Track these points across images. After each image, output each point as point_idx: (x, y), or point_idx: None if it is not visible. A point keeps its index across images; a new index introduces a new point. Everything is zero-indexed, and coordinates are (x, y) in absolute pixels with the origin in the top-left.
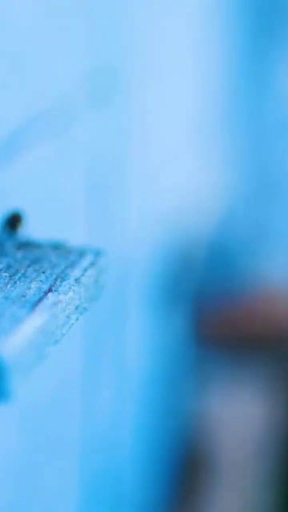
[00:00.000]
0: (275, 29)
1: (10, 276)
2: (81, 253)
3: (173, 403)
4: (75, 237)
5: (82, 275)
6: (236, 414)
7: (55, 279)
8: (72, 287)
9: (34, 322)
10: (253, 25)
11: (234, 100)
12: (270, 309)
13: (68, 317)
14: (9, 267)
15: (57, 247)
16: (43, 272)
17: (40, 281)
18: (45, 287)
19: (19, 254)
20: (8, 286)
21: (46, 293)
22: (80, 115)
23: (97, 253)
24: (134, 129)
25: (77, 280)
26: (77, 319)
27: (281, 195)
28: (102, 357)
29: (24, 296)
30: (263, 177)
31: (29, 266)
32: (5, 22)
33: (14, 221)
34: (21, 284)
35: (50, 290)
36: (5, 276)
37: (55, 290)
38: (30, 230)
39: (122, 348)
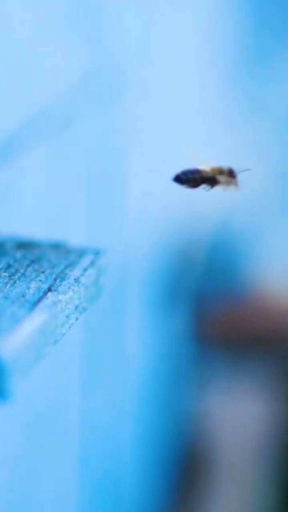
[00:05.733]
0: (280, 26)
1: (10, 276)
2: (81, 253)
3: (173, 402)
4: (75, 237)
5: (82, 274)
6: (236, 414)
7: (55, 279)
8: (72, 286)
9: (33, 322)
10: (257, 23)
11: (236, 99)
12: (270, 309)
13: (67, 316)
14: (8, 266)
15: (56, 246)
16: (43, 272)
17: (40, 280)
18: (45, 286)
19: (19, 254)
20: (8, 286)
21: (45, 292)
22: (80, 115)
23: (97, 253)
24: (134, 129)
25: (76, 280)
26: (76, 318)
27: (280, 195)
28: (102, 357)
29: (23, 295)
30: (263, 176)
31: (28, 266)
32: (6, 22)
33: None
34: (21, 283)
35: (49, 289)
36: (5, 276)
37: (54, 290)
38: (29, 230)
39: (122, 347)
